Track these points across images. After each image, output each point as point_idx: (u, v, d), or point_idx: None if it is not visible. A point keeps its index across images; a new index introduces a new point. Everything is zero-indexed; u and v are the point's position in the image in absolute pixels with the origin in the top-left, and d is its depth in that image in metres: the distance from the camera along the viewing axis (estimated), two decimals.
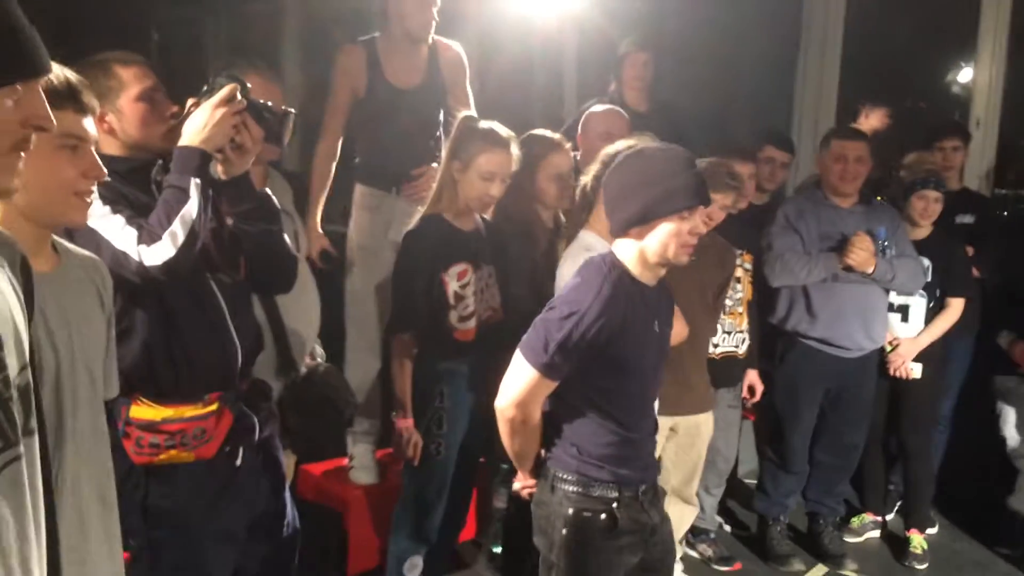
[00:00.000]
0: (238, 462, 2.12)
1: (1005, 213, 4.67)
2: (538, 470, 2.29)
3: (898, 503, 4.22)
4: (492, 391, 2.26)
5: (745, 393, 3.70)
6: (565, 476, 2.20)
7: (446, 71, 3.59)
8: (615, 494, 2.19)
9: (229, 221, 2.11)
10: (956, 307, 3.79)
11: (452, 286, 2.79)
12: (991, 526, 4.06)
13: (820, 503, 3.95)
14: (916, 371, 3.77)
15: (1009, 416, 3.94)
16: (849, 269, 3.55)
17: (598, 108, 3.56)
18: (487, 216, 2.99)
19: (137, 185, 2.01)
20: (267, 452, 2.26)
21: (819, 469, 3.90)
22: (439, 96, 3.57)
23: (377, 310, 3.49)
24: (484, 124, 2.82)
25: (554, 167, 3.06)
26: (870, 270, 3.53)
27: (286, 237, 2.27)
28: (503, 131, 2.81)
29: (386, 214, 3.50)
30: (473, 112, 3.11)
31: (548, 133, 3.19)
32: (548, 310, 2.16)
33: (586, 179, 2.77)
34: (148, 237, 1.88)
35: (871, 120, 4.78)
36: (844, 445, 3.84)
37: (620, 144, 2.71)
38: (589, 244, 2.62)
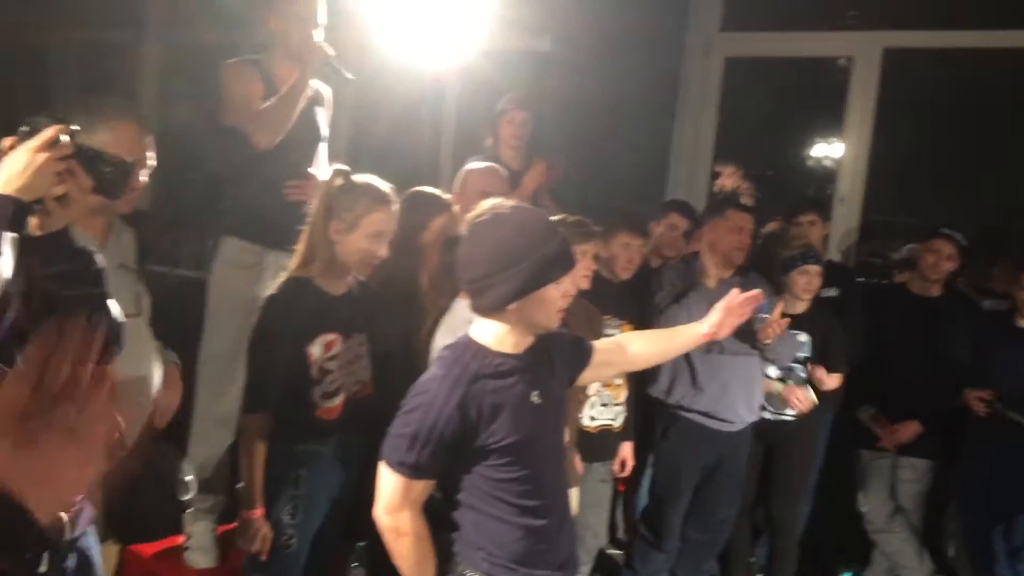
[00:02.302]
0: (42, 568, 1.80)
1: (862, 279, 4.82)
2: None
3: None
4: (357, 474, 2.07)
5: (616, 466, 3.60)
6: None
7: (322, 108, 3.38)
8: None
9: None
10: (835, 381, 3.81)
11: (317, 359, 2.54)
12: None
13: None
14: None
15: (867, 490, 4.00)
16: (744, 339, 3.51)
17: (477, 166, 3.43)
18: (361, 276, 2.78)
19: None
20: (80, 554, 1.95)
21: (689, 546, 3.83)
22: (319, 133, 3.34)
23: (237, 377, 3.18)
24: (362, 178, 2.61)
25: (441, 230, 2.88)
26: (768, 342, 3.52)
27: (113, 301, 1.97)
28: (384, 185, 2.63)
29: (262, 272, 3.17)
30: (341, 165, 2.88)
31: (436, 192, 3.02)
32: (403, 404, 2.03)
33: None
34: None
35: (729, 180, 4.90)
36: (717, 521, 3.79)
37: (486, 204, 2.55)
38: (469, 316, 2.46)
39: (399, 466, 2.00)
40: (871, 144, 4.67)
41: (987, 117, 4.77)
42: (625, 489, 4.19)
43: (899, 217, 5.21)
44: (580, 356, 2.34)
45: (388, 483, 2.02)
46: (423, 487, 2.03)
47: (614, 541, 4.44)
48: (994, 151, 4.84)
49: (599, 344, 2.42)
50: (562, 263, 2.05)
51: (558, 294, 2.05)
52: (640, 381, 3.65)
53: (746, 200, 4.00)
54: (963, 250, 3.95)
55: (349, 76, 3.19)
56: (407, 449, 1.97)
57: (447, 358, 2.07)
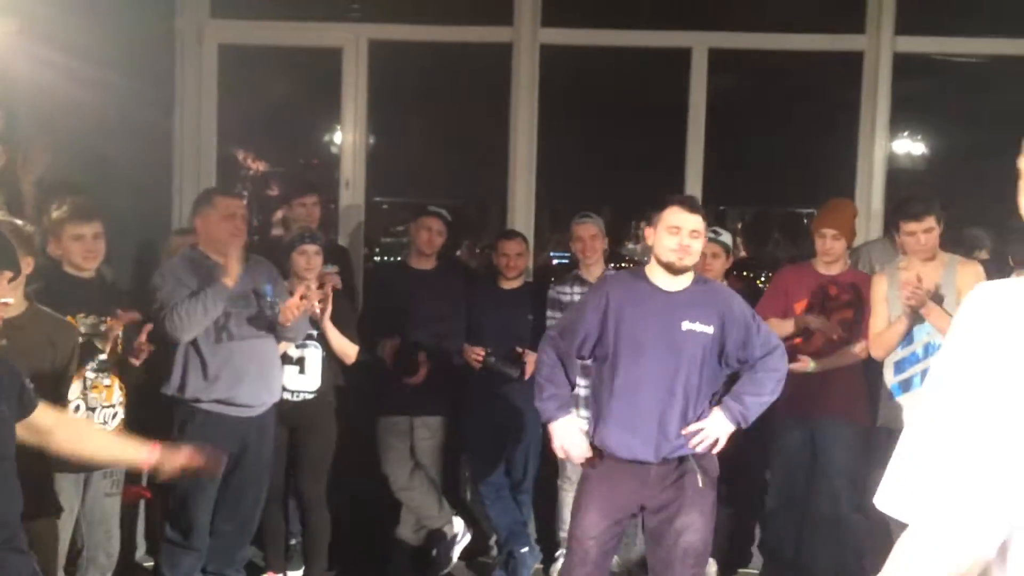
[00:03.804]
0: None
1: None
2: None
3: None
4: None
5: None
6: None
7: None
8: None
9: None
10: (354, 352, 4.01)
11: None
12: (383, 558, 4.34)
13: (221, 574, 3.82)
14: None
15: (388, 453, 4.27)
16: (250, 313, 3.57)
17: None
18: None
19: None
20: None
21: (220, 539, 3.77)
22: None
23: None
24: None
25: None
26: (289, 325, 3.60)
27: None
28: None
29: None
30: None
31: None
32: None
33: None
34: None
35: (258, 164, 4.94)
36: (246, 507, 3.78)
37: None
38: None
39: None
40: (367, 130, 4.96)
41: (467, 105, 5.34)
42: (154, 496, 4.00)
43: (403, 198, 5.62)
44: (23, 403, 2.20)
45: None
46: None
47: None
48: (473, 137, 5.43)
49: (42, 413, 2.28)
50: None
51: None
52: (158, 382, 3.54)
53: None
54: (449, 225, 4.37)
55: None
56: None
57: None
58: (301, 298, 3.61)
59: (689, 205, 3.03)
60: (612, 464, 3.05)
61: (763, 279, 5.95)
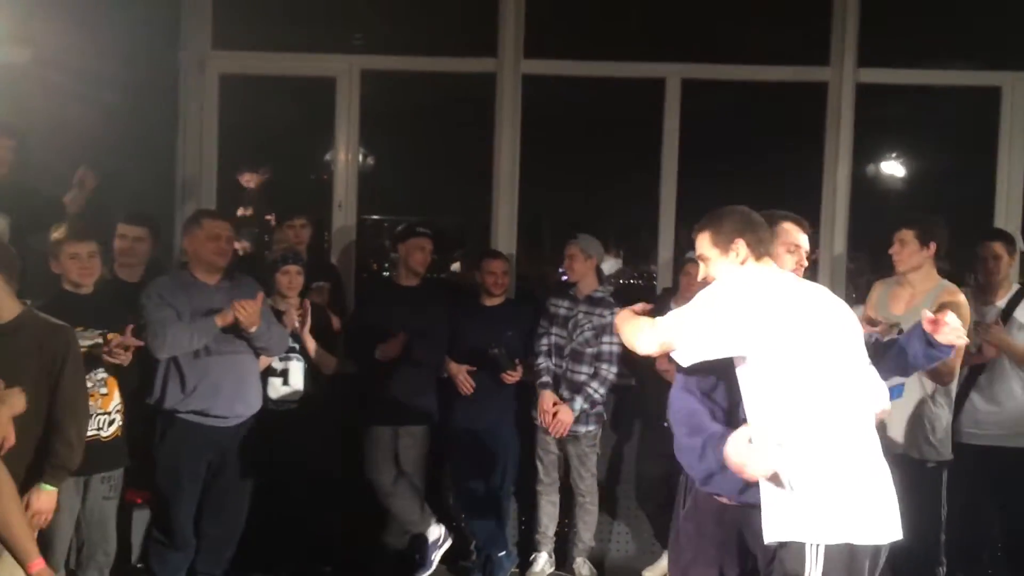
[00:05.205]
0: None
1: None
2: None
3: None
4: None
5: None
6: None
7: None
8: None
9: None
10: (333, 363, 4.27)
11: None
12: (370, 561, 4.56)
13: (210, 574, 4.06)
14: None
15: (374, 461, 4.47)
16: (231, 331, 3.77)
17: None
18: None
19: None
20: None
21: (207, 541, 4.02)
22: None
23: None
24: None
25: None
26: (253, 329, 3.78)
27: None
28: None
29: None
30: None
31: None
32: None
33: None
34: None
35: (251, 181, 5.23)
36: (230, 511, 4.01)
37: None
38: None
39: None
40: (359, 154, 5.24)
41: (454, 131, 5.62)
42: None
43: (394, 217, 5.88)
44: None
45: None
46: None
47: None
48: (461, 160, 5.70)
49: None
50: None
51: None
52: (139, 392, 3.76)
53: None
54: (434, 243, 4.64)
55: None
56: None
57: None
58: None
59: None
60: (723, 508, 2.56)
61: None
